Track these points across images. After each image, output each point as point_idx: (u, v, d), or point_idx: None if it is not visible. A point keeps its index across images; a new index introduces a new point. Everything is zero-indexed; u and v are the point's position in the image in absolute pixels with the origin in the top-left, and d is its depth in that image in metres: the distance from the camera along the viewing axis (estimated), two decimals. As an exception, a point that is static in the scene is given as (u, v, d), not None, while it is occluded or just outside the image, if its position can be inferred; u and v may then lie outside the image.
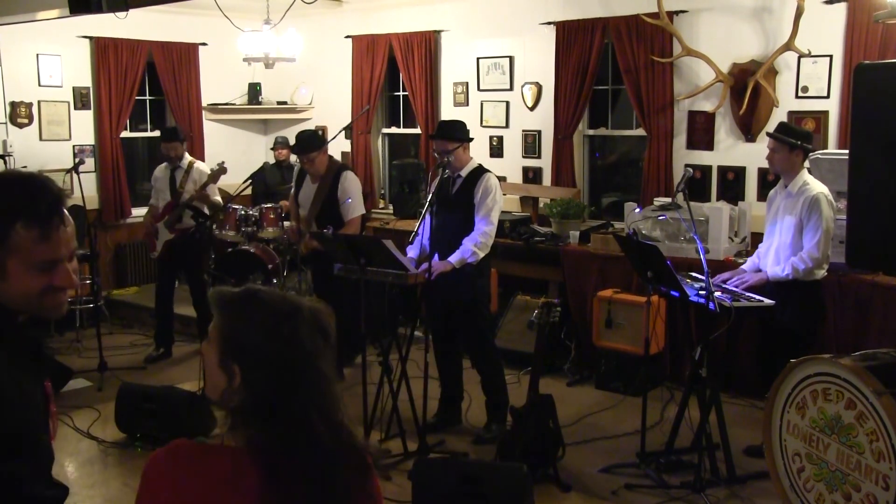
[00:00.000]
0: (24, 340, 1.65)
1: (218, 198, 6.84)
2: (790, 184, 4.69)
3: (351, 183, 5.70)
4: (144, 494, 1.58)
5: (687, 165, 5.48)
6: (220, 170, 6.61)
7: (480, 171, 4.96)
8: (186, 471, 1.57)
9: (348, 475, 1.62)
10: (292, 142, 5.96)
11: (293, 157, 7.70)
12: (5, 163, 7.30)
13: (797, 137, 4.65)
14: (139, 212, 7.96)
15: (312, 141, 5.74)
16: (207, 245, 7.07)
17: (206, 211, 6.59)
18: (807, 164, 4.85)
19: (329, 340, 1.66)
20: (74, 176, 6.96)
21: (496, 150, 7.70)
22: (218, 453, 1.58)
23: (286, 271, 7.26)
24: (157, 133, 8.93)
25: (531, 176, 7.51)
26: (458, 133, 4.95)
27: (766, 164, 4.98)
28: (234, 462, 1.55)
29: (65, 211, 1.65)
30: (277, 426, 1.56)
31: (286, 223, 6.87)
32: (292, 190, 6.08)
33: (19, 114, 7.77)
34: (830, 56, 5.84)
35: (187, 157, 6.79)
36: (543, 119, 7.37)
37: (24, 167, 7.52)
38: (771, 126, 5.61)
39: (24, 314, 1.65)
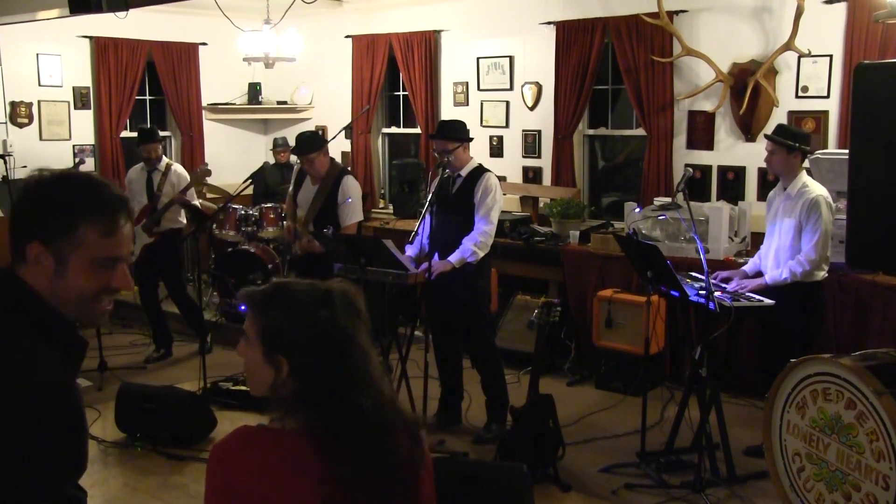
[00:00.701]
0: (75, 342, 1.62)
1: (197, 202, 6.80)
2: (789, 186, 4.69)
3: (352, 187, 5.70)
4: (216, 482, 1.62)
5: (687, 165, 5.49)
6: (204, 172, 6.55)
7: (480, 170, 4.97)
8: (255, 456, 1.62)
9: (404, 444, 1.70)
10: (292, 142, 5.95)
11: (293, 157, 7.71)
12: (5, 162, 7.30)
13: (795, 139, 4.64)
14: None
15: (312, 142, 5.73)
16: (181, 245, 7.05)
17: (185, 214, 6.59)
18: (806, 164, 4.86)
19: (362, 317, 1.74)
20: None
21: (496, 149, 7.70)
22: (281, 438, 1.64)
23: (286, 271, 7.26)
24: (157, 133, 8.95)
25: (531, 176, 7.51)
26: (458, 133, 4.95)
27: (766, 164, 4.98)
28: (298, 445, 1.62)
29: (129, 211, 1.65)
30: (330, 408, 1.63)
31: (286, 223, 6.88)
32: (290, 189, 6.07)
33: (19, 113, 7.77)
34: (830, 56, 5.84)
35: (164, 159, 6.71)
36: (543, 119, 7.37)
37: (24, 167, 7.53)
38: (771, 126, 5.60)
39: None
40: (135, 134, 8.70)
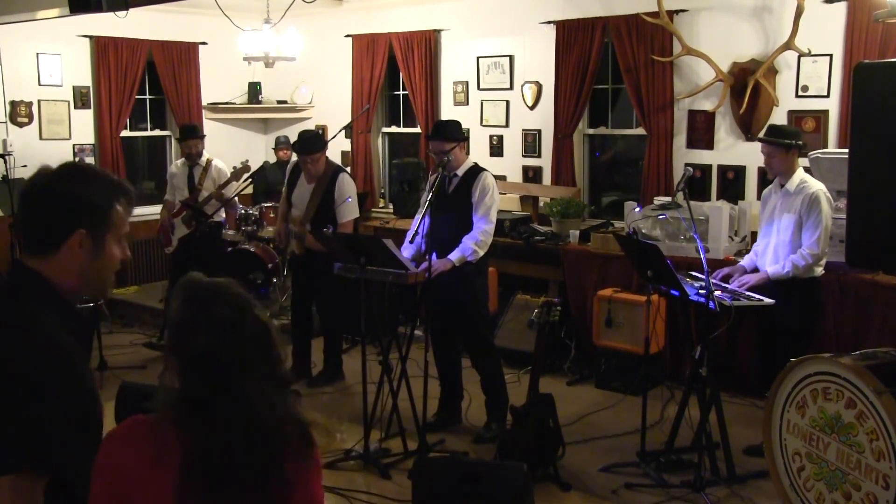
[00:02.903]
0: (79, 317, 1.78)
1: (235, 198, 6.94)
2: (787, 182, 4.69)
3: (349, 185, 5.72)
4: (96, 468, 1.65)
5: (687, 164, 5.48)
6: (244, 168, 6.69)
7: (477, 170, 4.97)
8: (127, 444, 1.67)
9: (280, 456, 1.66)
10: (293, 141, 5.96)
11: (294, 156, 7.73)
12: (5, 162, 7.30)
13: (791, 138, 4.66)
14: (139, 210, 7.95)
15: (316, 141, 5.74)
16: (222, 244, 7.16)
17: (206, 211, 6.61)
18: (806, 163, 4.86)
19: (269, 355, 1.70)
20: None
21: (496, 149, 7.70)
22: (154, 429, 1.66)
23: (286, 270, 7.26)
24: (156, 132, 8.97)
25: (531, 175, 7.51)
26: (455, 133, 4.95)
27: (766, 167, 4.97)
28: (164, 437, 1.64)
29: None
30: (202, 415, 1.63)
31: (278, 224, 6.91)
32: (284, 190, 6.06)
33: (19, 113, 7.77)
34: (830, 55, 5.84)
35: (205, 155, 6.88)
36: (543, 118, 7.37)
37: (24, 167, 7.52)
38: (771, 125, 5.61)
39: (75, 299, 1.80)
40: (134, 133, 8.79)
